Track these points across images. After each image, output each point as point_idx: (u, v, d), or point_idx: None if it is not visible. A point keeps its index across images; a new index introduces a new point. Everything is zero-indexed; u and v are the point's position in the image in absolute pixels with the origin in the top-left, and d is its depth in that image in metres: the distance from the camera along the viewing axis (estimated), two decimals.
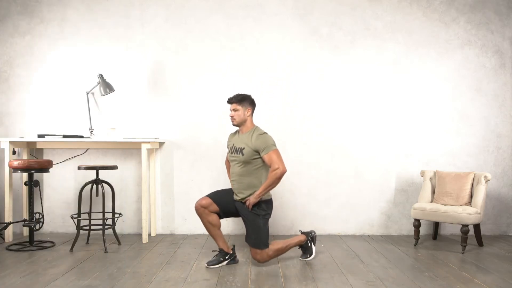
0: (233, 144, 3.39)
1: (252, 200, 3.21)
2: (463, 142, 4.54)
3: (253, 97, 3.41)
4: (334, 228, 4.52)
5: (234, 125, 3.38)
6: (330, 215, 4.51)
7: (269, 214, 3.33)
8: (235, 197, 3.35)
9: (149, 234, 4.37)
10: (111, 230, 4.05)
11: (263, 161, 3.26)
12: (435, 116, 4.54)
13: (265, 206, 3.28)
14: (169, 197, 4.51)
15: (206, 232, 4.48)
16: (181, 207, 4.51)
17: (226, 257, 3.34)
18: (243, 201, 3.29)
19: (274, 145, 3.25)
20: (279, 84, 4.51)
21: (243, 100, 3.32)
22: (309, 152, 4.52)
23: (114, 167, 3.95)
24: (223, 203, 3.34)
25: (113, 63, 4.51)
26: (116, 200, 4.37)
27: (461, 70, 4.54)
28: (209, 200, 3.31)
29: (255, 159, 3.25)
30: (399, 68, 4.53)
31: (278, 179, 3.20)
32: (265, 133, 3.31)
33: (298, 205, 4.51)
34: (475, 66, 4.55)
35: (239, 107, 3.30)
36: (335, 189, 4.51)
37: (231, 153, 3.38)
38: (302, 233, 3.55)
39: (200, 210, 3.30)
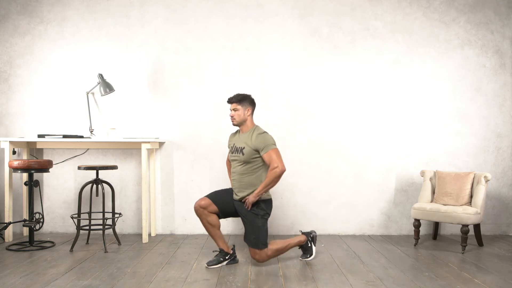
0: (234, 144, 3.39)
1: (251, 199, 3.21)
2: (463, 142, 4.54)
3: (253, 97, 3.41)
4: (334, 228, 4.52)
5: (234, 124, 3.38)
6: (330, 215, 4.51)
7: (268, 214, 3.33)
8: (235, 197, 3.35)
9: (149, 234, 4.37)
10: (111, 230, 4.05)
11: (263, 161, 3.26)
12: (435, 116, 4.54)
13: (264, 205, 3.29)
14: (169, 197, 4.51)
15: (206, 232, 4.48)
16: (181, 207, 4.51)
17: (226, 257, 3.34)
18: (242, 201, 3.29)
19: (274, 144, 3.26)
20: (279, 84, 4.51)
21: (243, 100, 3.32)
22: (309, 152, 4.51)
23: (114, 167, 3.95)
24: (222, 203, 3.34)
25: (113, 63, 4.51)
26: (116, 200, 4.37)
27: (461, 70, 4.54)
28: (208, 201, 3.31)
29: (255, 158, 3.25)
30: (399, 68, 4.53)
31: (277, 177, 3.20)
32: (265, 132, 3.32)
33: (298, 205, 4.51)
34: (475, 66, 4.55)
35: (239, 106, 3.30)
36: (335, 189, 4.51)
37: (232, 152, 3.38)
38: (303, 233, 3.55)
39: (200, 210, 3.30)
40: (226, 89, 4.42)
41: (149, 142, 4.05)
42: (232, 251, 3.39)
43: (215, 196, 3.36)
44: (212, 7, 4.51)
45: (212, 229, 3.33)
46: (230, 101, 3.34)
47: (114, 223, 3.97)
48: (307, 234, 3.54)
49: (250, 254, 3.30)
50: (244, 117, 3.32)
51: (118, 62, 4.51)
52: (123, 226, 4.49)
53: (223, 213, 3.37)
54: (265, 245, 3.24)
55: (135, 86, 4.52)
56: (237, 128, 3.46)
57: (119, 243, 3.99)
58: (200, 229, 4.48)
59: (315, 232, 3.59)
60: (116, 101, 4.51)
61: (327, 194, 4.51)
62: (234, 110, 3.32)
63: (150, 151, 4.36)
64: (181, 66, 4.52)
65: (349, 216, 4.52)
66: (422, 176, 4.28)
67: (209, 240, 4.18)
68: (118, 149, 4.49)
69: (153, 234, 4.40)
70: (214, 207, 3.31)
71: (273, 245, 3.31)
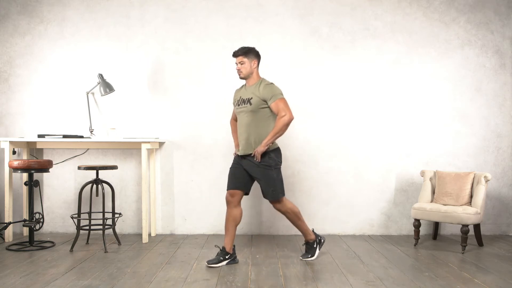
0: (240, 97, 3.39)
1: (260, 149, 3.21)
2: (463, 142, 4.54)
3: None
4: (334, 228, 4.52)
5: (241, 78, 3.38)
6: (330, 215, 4.51)
7: (280, 162, 3.37)
8: (241, 152, 3.35)
9: (149, 234, 4.37)
10: (111, 230, 4.05)
11: (271, 111, 3.28)
12: (435, 116, 4.54)
13: (274, 155, 3.31)
14: (169, 197, 4.51)
15: (206, 232, 4.51)
16: (181, 207, 4.51)
17: (227, 257, 3.34)
18: (252, 155, 3.28)
19: (281, 94, 3.31)
20: (279, 84, 4.49)
21: (249, 52, 3.32)
22: (309, 152, 4.51)
23: (114, 167, 3.95)
24: (241, 183, 3.35)
25: (113, 63, 4.51)
26: (116, 200, 4.37)
27: (461, 70, 4.54)
28: (232, 192, 3.35)
29: (262, 108, 3.27)
30: (399, 68, 4.53)
31: (285, 125, 3.24)
32: (272, 83, 3.36)
33: (298, 205, 4.49)
34: (475, 66, 4.55)
35: (245, 59, 3.31)
36: (335, 189, 4.51)
37: (238, 105, 3.38)
38: (314, 232, 3.57)
39: (228, 198, 3.35)
40: (226, 89, 4.42)
41: (149, 142, 4.05)
42: (232, 251, 3.39)
43: (234, 182, 3.36)
44: (212, 7, 4.51)
45: (229, 223, 3.35)
46: (236, 54, 3.33)
47: (114, 223, 3.97)
48: (317, 235, 3.57)
49: (274, 207, 3.40)
50: (250, 70, 3.33)
51: (118, 62, 4.51)
52: (123, 226, 4.49)
53: (247, 188, 3.40)
54: (283, 193, 3.34)
55: (135, 86, 4.52)
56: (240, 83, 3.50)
57: (119, 243, 3.99)
58: (200, 229, 4.49)
59: (324, 239, 3.62)
60: (116, 101, 4.51)
61: (327, 194, 4.51)
62: (240, 63, 3.32)
63: (150, 151, 4.36)
64: (181, 66, 4.52)
65: (349, 216, 4.52)
66: (422, 176, 4.28)
67: (209, 240, 4.18)
68: (118, 149, 4.49)
69: (153, 234, 4.40)
70: (239, 192, 3.34)
71: (294, 208, 3.44)
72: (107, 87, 4.28)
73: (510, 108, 4.57)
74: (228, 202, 3.37)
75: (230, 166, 3.49)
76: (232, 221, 3.35)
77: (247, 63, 3.31)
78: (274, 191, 3.29)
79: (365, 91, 4.52)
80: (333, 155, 4.51)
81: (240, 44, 4.47)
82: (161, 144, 4.51)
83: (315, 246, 3.51)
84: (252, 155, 3.28)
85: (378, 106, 4.53)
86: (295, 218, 3.45)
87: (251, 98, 3.28)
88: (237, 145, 3.49)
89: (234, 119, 3.57)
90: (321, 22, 4.51)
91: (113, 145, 4.41)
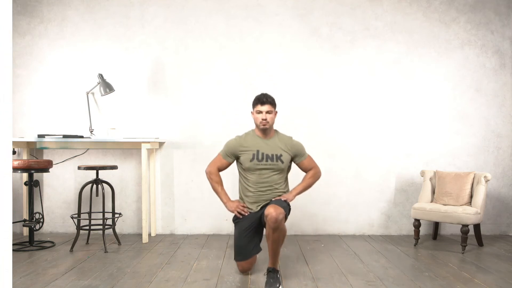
0: (258, 150, 3.05)
1: (291, 198, 3.07)
2: (463, 142, 4.54)
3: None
4: (334, 228, 4.52)
5: (263, 129, 3.05)
6: (330, 215, 4.51)
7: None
8: (258, 209, 3.06)
9: (149, 234, 4.37)
10: (111, 230, 4.05)
11: (288, 168, 3.16)
12: (435, 116, 4.54)
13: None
14: (169, 197, 4.51)
15: (206, 232, 4.51)
16: (181, 207, 4.51)
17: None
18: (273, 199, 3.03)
19: None
20: (279, 84, 4.51)
21: (274, 102, 3.07)
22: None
23: (114, 167, 3.95)
24: (257, 243, 3.07)
25: (113, 63, 4.51)
26: (116, 200, 4.37)
27: (461, 70, 4.54)
28: (248, 263, 3.04)
29: (289, 165, 3.18)
30: (399, 68, 4.53)
31: (316, 181, 3.26)
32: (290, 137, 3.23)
33: (298, 205, 4.49)
34: (475, 66, 4.55)
35: (272, 109, 3.03)
36: (335, 189, 4.51)
37: (260, 160, 3.03)
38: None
39: (246, 268, 3.06)
40: (226, 89, 4.42)
41: (149, 142, 4.05)
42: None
43: (246, 251, 3.01)
44: (212, 7, 4.51)
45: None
46: (265, 101, 3.00)
47: (114, 223, 3.97)
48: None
49: (268, 212, 2.77)
50: (273, 121, 3.08)
51: (118, 62, 4.51)
52: (123, 226, 4.49)
53: (257, 247, 3.08)
54: (285, 209, 2.91)
55: (135, 86, 4.52)
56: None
57: (119, 243, 3.99)
58: (200, 229, 4.49)
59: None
60: (116, 101, 4.51)
61: (327, 194, 4.51)
62: (268, 112, 3.00)
63: (150, 151, 4.36)
64: (181, 66, 4.52)
65: (349, 216, 4.52)
66: (422, 176, 4.28)
67: (209, 240, 4.18)
68: (118, 149, 4.49)
69: (153, 234, 4.40)
70: (254, 258, 3.08)
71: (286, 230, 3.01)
72: (107, 87, 4.28)
73: (510, 108, 4.56)
74: (245, 272, 3.06)
75: (236, 232, 3.07)
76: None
77: (273, 114, 3.05)
78: (282, 203, 2.96)
79: (365, 91, 4.52)
80: (333, 155, 4.51)
81: (240, 44, 4.49)
82: (161, 144, 4.51)
83: (278, 276, 2.84)
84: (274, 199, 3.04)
85: (378, 106, 4.53)
86: (282, 239, 2.87)
87: (281, 155, 3.06)
88: (228, 201, 3.09)
89: (219, 169, 3.14)
90: (321, 22, 4.51)
91: (113, 145, 4.41)
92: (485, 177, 3.90)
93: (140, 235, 4.32)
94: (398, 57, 4.52)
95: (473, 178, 3.99)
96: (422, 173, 4.28)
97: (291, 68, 4.50)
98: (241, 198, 3.18)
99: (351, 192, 4.52)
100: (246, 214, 3.04)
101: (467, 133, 4.54)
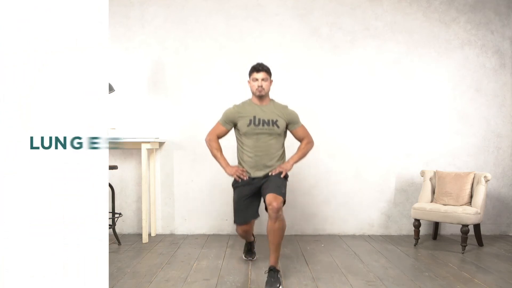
0: (254, 116, 3.14)
1: (289, 167, 3.14)
2: (463, 142, 4.54)
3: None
4: (334, 228, 4.52)
5: (259, 95, 3.15)
6: (330, 215, 4.51)
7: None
8: (256, 174, 3.11)
9: (149, 234, 4.37)
10: (111, 230, 4.05)
11: (284, 133, 3.25)
12: (435, 116, 4.54)
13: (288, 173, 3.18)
14: (169, 197, 4.52)
15: (206, 232, 4.51)
16: (181, 207, 4.51)
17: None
18: (270, 173, 3.09)
19: None
20: (278, 84, 4.50)
21: (269, 70, 3.19)
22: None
23: (114, 167, 3.95)
24: (254, 210, 3.16)
25: (113, 63, 4.51)
26: (116, 200, 4.37)
27: (461, 70, 4.54)
28: (248, 226, 3.20)
29: (285, 131, 3.26)
30: (399, 68, 4.53)
31: (310, 151, 3.32)
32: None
33: (298, 205, 4.51)
34: (475, 66, 4.55)
35: (268, 76, 3.16)
36: (335, 189, 4.51)
37: (256, 125, 3.12)
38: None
39: (246, 230, 3.22)
40: (226, 89, 4.42)
41: (149, 142, 4.05)
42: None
43: (246, 216, 3.14)
44: (212, 7, 4.51)
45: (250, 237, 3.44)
46: (260, 69, 3.13)
47: (114, 223, 3.97)
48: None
49: (269, 201, 2.88)
50: (269, 89, 3.20)
51: (118, 62, 4.51)
52: (123, 226, 4.49)
53: (256, 213, 3.19)
54: (284, 195, 2.97)
55: (135, 86, 4.52)
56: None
57: (119, 243, 3.99)
58: (200, 229, 4.49)
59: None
60: (116, 101, 4.51)
61: (327, 194, 4.51)
62: (264, 80, 3.13)
63: (150, 151, 4.36)
64: (181, 66, 4.52)
65: (349, 216, 4.52)
66: (422, 176, 4.28)
67: (209, 240, 4.18)
68: (118, 149, 4.49)
69: (153, 234, 4.40)
70: (253, 221, 3.23)
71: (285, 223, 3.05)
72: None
73: (510, 108, 4.57)
74: (245, 234, 3.28)
75: (235, 197, 3.16)
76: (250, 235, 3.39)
77: (269, 81, 3.17)
78: (279, 187, 2.98)
79: (365, 91, 4.52)
80: (333, 154, 4.51)
81: (240, 44, 4.49)
82: (161, 144, 4.51)
83: (279, 276, 2.89)
84: (271, 173, 3.10)
85: (378, 106, 4.53)
86: (282, 234, 2.94)
87: (277, 120, 3.14)
88: (227, 165, 3.16)
89: (218, 136, 3.27)
90: (321, 22, 4.51)
91: (113, 145, 4.40)
92: (485, 177, 3.90)
93: (140, 235, 4.32)
94: (398, 57, 4.52)
95: (473, 178, 3.99)
96: (422, 173, 4.28)
97: (291, 68, 4.50)
98: (239, 163, 3.24)
99: (351, 192, 4.52)
100: (245, 178, 3.11)
101: (467, 133, 4.54)
